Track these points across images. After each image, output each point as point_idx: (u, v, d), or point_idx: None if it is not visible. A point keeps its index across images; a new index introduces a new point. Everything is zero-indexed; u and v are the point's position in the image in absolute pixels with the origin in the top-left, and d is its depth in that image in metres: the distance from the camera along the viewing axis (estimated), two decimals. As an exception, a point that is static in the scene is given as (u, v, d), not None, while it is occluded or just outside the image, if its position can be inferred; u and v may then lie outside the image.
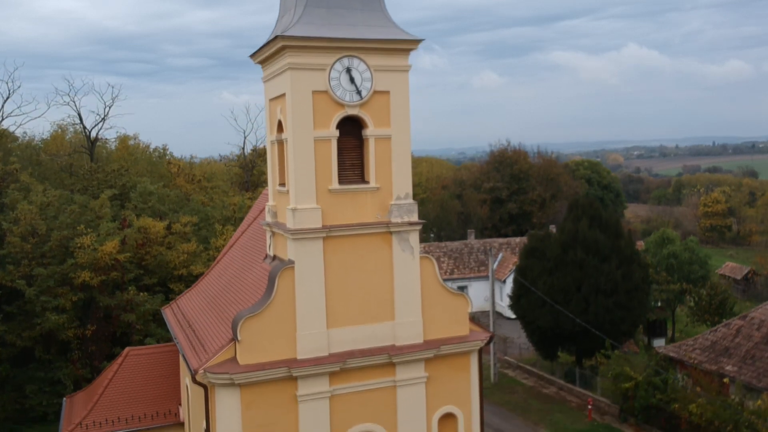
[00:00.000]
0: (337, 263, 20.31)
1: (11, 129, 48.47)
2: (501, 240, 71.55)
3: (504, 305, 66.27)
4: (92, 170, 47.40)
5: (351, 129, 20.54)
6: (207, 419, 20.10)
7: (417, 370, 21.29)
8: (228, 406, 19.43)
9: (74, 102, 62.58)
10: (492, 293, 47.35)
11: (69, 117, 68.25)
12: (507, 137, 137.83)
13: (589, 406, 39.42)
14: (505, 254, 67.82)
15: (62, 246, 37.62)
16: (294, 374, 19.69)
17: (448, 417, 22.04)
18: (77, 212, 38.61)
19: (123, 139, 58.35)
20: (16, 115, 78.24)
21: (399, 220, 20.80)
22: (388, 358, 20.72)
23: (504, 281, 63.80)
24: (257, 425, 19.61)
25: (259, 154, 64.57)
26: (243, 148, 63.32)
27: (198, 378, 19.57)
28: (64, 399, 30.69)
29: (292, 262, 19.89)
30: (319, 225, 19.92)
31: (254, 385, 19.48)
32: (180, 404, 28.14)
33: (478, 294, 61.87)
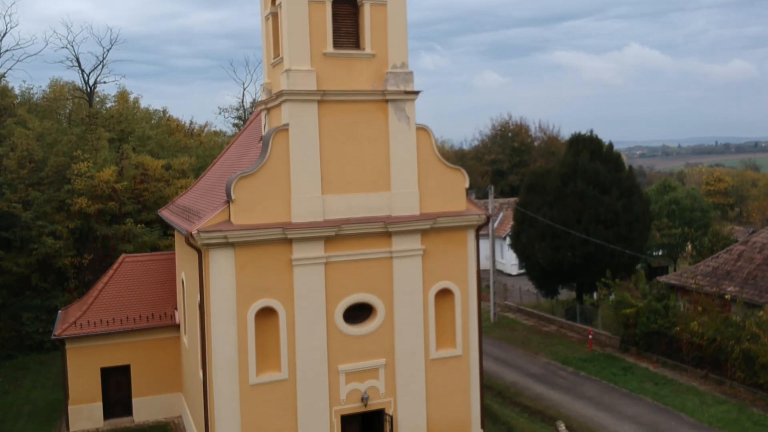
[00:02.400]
0: (332, 129, 20.11)
1: (9, 65, 48.12)
2: (502, 200, 71.28)
3: (505, 263, 66.13)
4: (90, 115, 47.16)
5: (347, -5, 20.34)
6: (201, 286, 19.90)
7: (413, 242, 21.07)
8: (222, 267, 19.24)
9: (72, 46, 62.25)
10: (492, 249, 46.89)
11: (67, 60, 67.24)
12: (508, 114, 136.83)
13: (590, 336, 39.14)
14: (506, 213, 67.58)
15: (59, 173, 37.42)
16: (289, 236, 19.48)
17: (445, 293, 21.85)
18: (74, 141, 38.45)
19: (122, 93, 58.13)
20: (14, 49, 77.47)
21: (395, 89, 20.60)
22: (384, 227, 20.51)
23: (504, 238, 63.54)
24: (252, 288, 19.42)
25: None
26: (242, 100, 63.01)
27: (192, 241, 19.35)
28: (59, 311, 30.51)
29: (286, 125, 19.66)
30: (314, 88, 19.70)
31: (249, 245, 19.28)
32: (176, 308, 27.95)
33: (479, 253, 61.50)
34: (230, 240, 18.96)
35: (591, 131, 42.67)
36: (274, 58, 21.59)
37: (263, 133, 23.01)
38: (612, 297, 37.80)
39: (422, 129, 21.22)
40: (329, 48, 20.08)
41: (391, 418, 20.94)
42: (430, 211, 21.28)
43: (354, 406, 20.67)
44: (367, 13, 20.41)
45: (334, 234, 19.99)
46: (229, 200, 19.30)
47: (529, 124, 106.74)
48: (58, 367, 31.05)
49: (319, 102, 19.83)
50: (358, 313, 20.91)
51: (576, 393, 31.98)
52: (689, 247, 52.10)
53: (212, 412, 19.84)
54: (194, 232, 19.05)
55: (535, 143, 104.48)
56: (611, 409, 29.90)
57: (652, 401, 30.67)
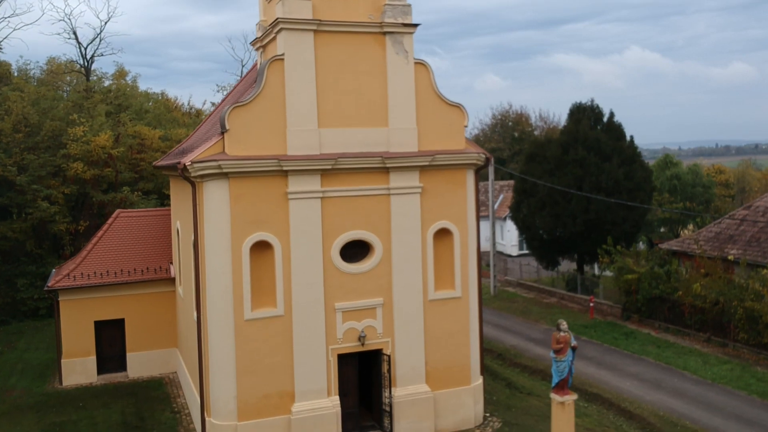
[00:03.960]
0: (329, 61, 19.69)
1: (5, 32, 47.53)
2: (502, 182, 70.86)
3: (505, 243, 65.73)
4: (87, 88, 46.77)
5: None
6: (194, 221, 19.48)
7: (411, 179, 20.65)
8: (216, 198, 18.82)
9: (69, 19, 61.67)
10: (492, 231, 46.52)
11: (65, 32, 66.51)
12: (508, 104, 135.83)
13: (591, 304, 38.72)
14: (506, 195, 67.15)
15: (54, 137, 37.02)
16: (284, 168, 19.07)
17: (444, 233, 21.41)
18: (70, 107, 38.04)
19: (121, 71, 57.72)
20: (11, 17, 76.73)
21: (393, 21, 20.18)
22: (382, 162, 20.09)
23: (505, 219, 63.16)
24: (246, 221, 18.99)
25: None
26: (241, 77, 62.46)
27: (186, 173, 18.92)
28: (53, 269, 30.09)
29: (282, 54, 19.25)
30: (310, 16, 19.29)
31: (244, 177, 18.87)
32: (171, 263, 27.54)
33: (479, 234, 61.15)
34: (224, 170, 18.54)
35: (592, 100, 42.30)
36: (269, -7, 21.20)
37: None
38: (613, 264, 37.37)
39: (421, 64, 20.79)
40: (326, -23, 19.67)
41: (389, 358, 20.52)
42: (428, 149, 20.86)
43: (351, 345, 20.25)
44: (363, -58, 19.99)
45: (331, 167, 19.57)
46: (223, 131, 18.88)
47: (529, 113, 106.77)
48: (53, 330, 30.64)
49: (315, 32, 19.42)
50: (356, 251, 20.47)
51: (577, 354, 31.54)
52: (690, 226, 51.67)
53: (206, 348, 19.42)
54: (188, 162, 18.63)
55: (536, 132, 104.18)
56: (613, 368, 29.50)
57: (655, 361, 30.27)
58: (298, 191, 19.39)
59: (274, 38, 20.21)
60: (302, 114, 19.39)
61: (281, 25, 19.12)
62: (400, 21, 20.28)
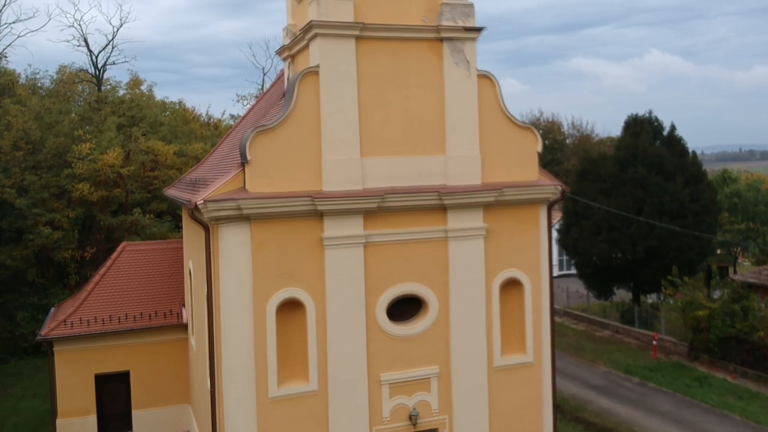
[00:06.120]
0: (373, 74, 15.91)
1: (8, 39, 44.54)
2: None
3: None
4: (99, 99, 43.44)
5: None
6: (208, 272, 15.70)
7: (474, 219, 16.76)
8: (234, 247, 15.05)
9: (80, 25, 58.57)
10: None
11: (74, 39, 63.34)
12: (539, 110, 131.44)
13: (654, 342, 34.50)
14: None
15: (58, 155, 33.62)
16: (319, 208, 15.27)
17: (512, 284, 17.50)
18: (76, 121, 34.67)
19: (135, 80, 54.49)
20: (15, 23, 74.15)
21: (452, 24, 16.35)
22: (438, 198, 16.23)
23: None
24: (272, 275, 15.23)
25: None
26: (262, 87, 58.96)
27: (197, 214, 15.20)
28: (52, 308, 26.58)
29: (316, 66, 15.47)
30: (351, 19, 15.51)
31: (268, 219, 15.10)
32: (183, 305, 23.87)
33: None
34: (245, 212, 14.79)
35: (650, 112, 38.11)
36: (299, -8, 17.46)
37: (286, 87, 18.85)
38: (680, 301, 33.14)
39: (485, 76, 16.94)
40: (370, -29, 15.90)
41: (447, 440, 16.61)
42: (494, 180, 16.98)
43: (400, 426, 16.34)
44: (417, -71, 16.19)
45: (376, 207, 15.74)
46: (243, 162, 15.15)
47: (561, 121, 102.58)
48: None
49: (357, 38, 15.64)
50: (405, 308, 16.63)
51: (648, 407, 27.38)
52: (752, 246, 47.16)
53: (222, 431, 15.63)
54: (200, 202, 14.89)
55: (567, 141, 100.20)
56: (694, 426, 25.30)
57: (741, 419, 26.01)
58: (335, 236, 15.58)
59: (306, 46, 16.46)
60: (341, 140, 15.60)
61: (316, 30, 15.35)
62: (461, 24, 16.44)
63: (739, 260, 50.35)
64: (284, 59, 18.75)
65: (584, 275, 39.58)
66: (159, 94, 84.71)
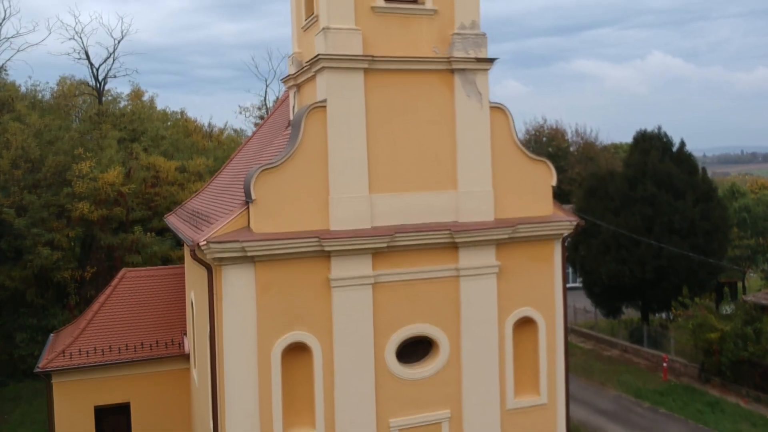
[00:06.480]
0: (382, 107, 15.34)
1: (8, 54, 44.02)
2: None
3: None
4: (100, 112, 42.90)
5: (401, -69, 15.60)
6: (211, 314, 15.11)
7: (486, 257, 16.17)
8: (239, 289, 14.48)
9: (80, 38, 58.06)
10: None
11: (75, 51, 62.64)
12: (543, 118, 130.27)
13: (664, 364, 33.87)
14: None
15: (58, 174, 33.08)
16: (326, 248, 14.68)
17: (525, 323, 16.90)
18: (76, 139, 34.11)
19: (136, 92, 53.98)
20: (14, 37, 73.11)
21: (463, 55, 15.78)
22: (450, 236, 15.63)
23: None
24: (277, 318, 14.65)
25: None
26: (265, 98, 58.50)
27: (199, 254, 14.62)
28: (51, 334, 26.01)
29: (323, 101, 14.90)
30: (360, 52, 14.94)
31: (273, 261, 14.52)
32: (185, 334, 23.30)
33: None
34: (249, 253, 14.21)
35: (659, 128, 37.51)
36: (306, 19, 16.88)
37: (291, 116, 18.29)
38: (690, 323, 32.51)
39: (498, 108, 16.37)
40: (379, 1, 15.34)
41: (458, 487, 16.00)
42: (507, 216, 16.40)
43: (410, 473, 15.76)
44: (427, -43, 15.65)
45: (386, 246, 15.15)
46: (248, 201, 14.58)
47: (565, 128, 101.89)
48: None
49: (366, 71, 15.07)
50: (415, 349, 16.03)
51: (662, 436, 26.82)
52: (762, 261, 46.45)
53: (224, 480, 15.02)
54: (202, 242, 14.31)
55: (571, 148, 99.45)
56: (709, 457, 24.74)
57: (757, 448, 25.47)
58: (343, 277, 15.00)
59: (313, 77, 15.89)
60: (349, 177, 15.03)
61: (323, 64, 14.78)
62: (473, 55, 15.87)
63: (748, 272, 49.61)
64: (289, 88, 18.17)
65: (592, 294, 38.99)
66: (162, 97, 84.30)
